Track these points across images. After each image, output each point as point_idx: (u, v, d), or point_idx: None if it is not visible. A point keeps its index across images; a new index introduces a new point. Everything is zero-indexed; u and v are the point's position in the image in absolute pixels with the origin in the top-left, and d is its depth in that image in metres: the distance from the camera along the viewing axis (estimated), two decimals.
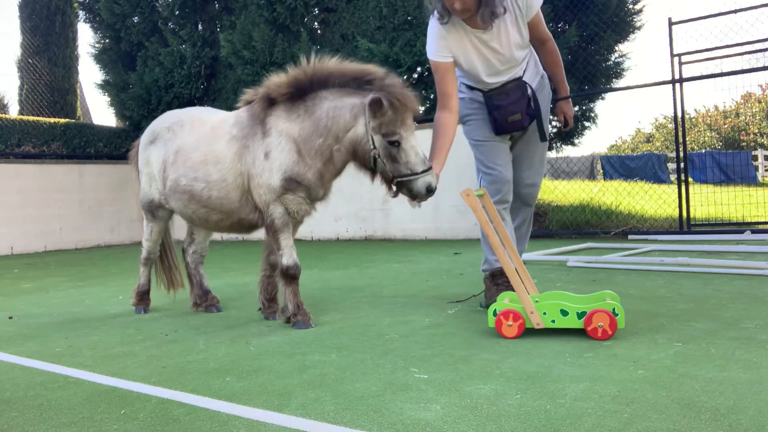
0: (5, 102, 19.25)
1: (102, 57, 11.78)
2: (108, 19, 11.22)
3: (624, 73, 9.00)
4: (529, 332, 2.66)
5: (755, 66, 7.07)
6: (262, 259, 3.43)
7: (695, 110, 24.66)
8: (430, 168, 2.89)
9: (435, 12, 3.04)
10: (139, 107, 11.01)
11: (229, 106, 3.47)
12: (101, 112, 71.38)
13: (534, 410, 1.75)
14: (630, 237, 6.79)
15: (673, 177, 16.81)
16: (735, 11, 6.93)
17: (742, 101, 23.55)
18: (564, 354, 2.32)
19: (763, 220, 7.47)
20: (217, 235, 7.05)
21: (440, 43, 3.11)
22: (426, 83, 8.88)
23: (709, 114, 21.86)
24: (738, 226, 6.99)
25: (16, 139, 10.34)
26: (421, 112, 9.00)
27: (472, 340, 2.61)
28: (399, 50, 8.40)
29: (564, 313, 2.58)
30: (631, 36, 8.91)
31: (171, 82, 10.74)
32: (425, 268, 5.25)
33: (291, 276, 3.10)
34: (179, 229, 4.03)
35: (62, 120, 11.28)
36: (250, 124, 3.14)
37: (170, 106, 10.37)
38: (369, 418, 1.76)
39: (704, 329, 2.58)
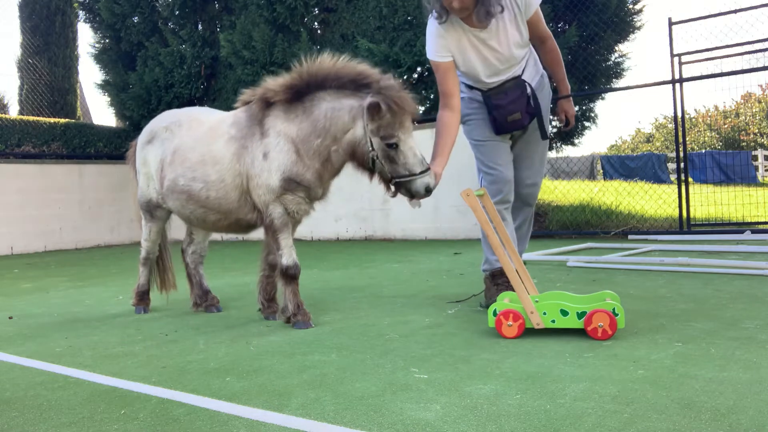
0: (5, 102, 19.25)
1: (102, 57, 11.78)
2: (108, 19, 11.22)
3: (624, 73, 9.01)
4: (529, 332, 2.66)
5: (755, 66, 7.08)
6: (260, 259, 3.43)
7: (695, 110, 24.68)
8: (428, 168, 2.91)
9: (433, 11, 3.04)
10: (139, 107, 11.01)
11: (229, 106, 3.47)
12: (101, 112, 71.43)
13: (534, 410, 1.75)
14: (630, 237, 6.79)
15: (673, 177, 16.82)
16: (735, 11, 6.94)
17: (742, 101, 23.56)
18: (564, 354, 2.32)
19: (763, 220, 7.47)
20: (216, 235, 7.04)
21: (439, 42, 3.11)
22: (426, 83, 8.88)
23: (709, 114, 21.87)
24: (738, 226, 6.99)
25: (16, 139, 10.34)
26: (420, 112, 9.01)
27: (472, 340, 2.61)
28: (399, 50, 8.40)
29: (564, 313, 2.58)
30: (631, 36, 8.91)
31: (171, 82, 10.74)
32: (425, 268, 5.25)
33: (291, 276, 3.10)
34: (178, 229, 4.02)
35: (62, 120, 11.29)
36: (249, 124, 3.15)
37: (170, 106, 10.37)
38: (369, 418, 1.76)
39: (704, 329, 2.58)
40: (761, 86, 24.40)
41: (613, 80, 9.07)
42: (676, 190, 7.17)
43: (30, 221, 9.90)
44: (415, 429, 1.67)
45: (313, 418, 1.79)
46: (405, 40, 8.52)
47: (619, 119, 65.50)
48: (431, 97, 8.96)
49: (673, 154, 15.75)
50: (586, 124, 9.34)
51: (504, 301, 2.78)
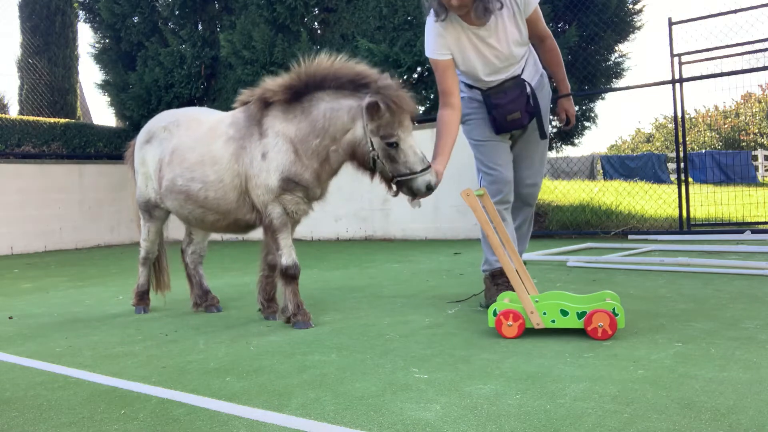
0: (5, 102, 19.25)
1: (102, 57, 11.78)
2: (108, 19, 11.22)
3: (624, 73, 9.01)
4: (529, 332, 2.66)
5: (755, 66, 7.08)
6: (260, 260, 3.43)
7: (695, 110, 24.68)
8: (429, 166, 2.91)
9: (432, 9, 3.03)
10: (139, 107, 11.01)
11: (229, 107, 3.47)
12: (101, 112, 71.43)
13: (534, 410, 1.75)
14: (630, 237, 6.79)
15: (673, 177, 16.81)
16: (735, 11, 6.94)
17: (742, 101, 23.55)
18: (564, 354, 2.32)
19: (763, 220, 7.47)
20: (216, 235, 7.05)
21: (438, 41, 3.11)
22: (426, 83, 8.88)
23: (709, 114, 21.86)
24: (738, 226, 6.99)
25: (16, 139, 10.34)
26: (420, 111, 9.01)
27: (472, 340, 2.61)
28: (399, 50, 8.40)
29: (564, 313, 2.58)
30: (631, 36, 8.91)
31: (171, 82, 10.74)
32: (425, 268, 5.25)
33: (290, 276, 3.10)
34: (177, 230, 4.02)
35: (62, 120, 11.29)
36: (247, 125, 3.15)
37: (170, 106, 10.37)
38: (369, 418, 1.76)
39: (704, 329, 2.58)
40: (761, 86, 24.41)
41: (613, 80, 9.07)
42: (676, 190, 7.17)
43: (30, 221, 9.90)
44: (415, 429, 1.67)
45: (313, 418, 1.79)
46: (405, 40, 8.52)
47: (619, 119, 65.55)
48: (431, 97, 8.96)
49: (673, 154, 15.76)
50: (586, 124, 9.34)
51: (504, 301, 2.78)
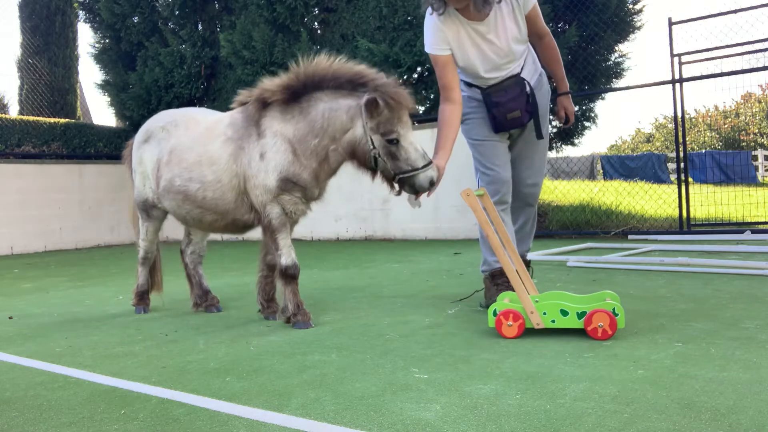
0: (5, 102, 19.25)
1: (102, 57, 11.78)
2: (108, 19, 11.22)
3: (624, 73, 9.02)
4: (529, 332, 2.66)
5: (755, 66, 7.08)
6: (259, 260, 3.43)
7: (695, 110, 24.67)
8: (430, 162, 2.91)
9: (431, 4, 3.03)
10: (139, 107, 11.01)
11: (229, 107, 3.47)
12: (101, 112, 71.43)
13: (534, 410, 1.75)
14: (630, 237, 6.79)
15: (673, 177, 16.81)
16: (735, 11, 6.94)
17: (742, 101, 23.54)
18: (564, 354, 2.32)
19: (763, 220, 7.47)
20: (216, 235, 7.04)
21: (438, 35, 3.11)
22: (426, 83, 8.88)
23: (709, 114, 21.86)
24: (738, 226, 6.99)
25: (16, 139, 10.34)
26: (420, 111, 9.02)
27: (472, 340, 2.61)
28: (399, 50, 8.40)
29: (564, 313, 2.58)
30: (631, 36, 8.91)
31: (171, 82, 10.74)
32: (425, 268, 5.25)
33: (290, 276, 3.10)
34: (176, 230, 4.02)
35: (62, 120, 11.29)
36: (245, 125, 3.15)
37: (170, 106, 10.38)
38: (369, 418, 1.76)
39: (704, 329, 2.58)
40: (761, 86, 24.40)
41: (613, 80, 9.08)
42: (676, 190, 7.18)
43: (30, 221, 9.90)
44: (415, 429, 1.67)
45: (313, 418, 1.79)
46: (405, 40, 8.52)
47: (619, 119, 65.53)
48: (431, 97, 8.96)
49: (673, 154, 15.76)
50: (586, 124, 9.34)
51: (504, 301, 2.78)
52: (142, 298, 3.80)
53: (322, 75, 3.00)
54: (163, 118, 3.59)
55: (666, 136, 28.98)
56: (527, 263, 3.51)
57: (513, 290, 2.82)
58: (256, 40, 9.51)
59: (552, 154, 10.58)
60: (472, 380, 2.06)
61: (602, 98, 9.33)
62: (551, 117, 3.46)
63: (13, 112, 16.96)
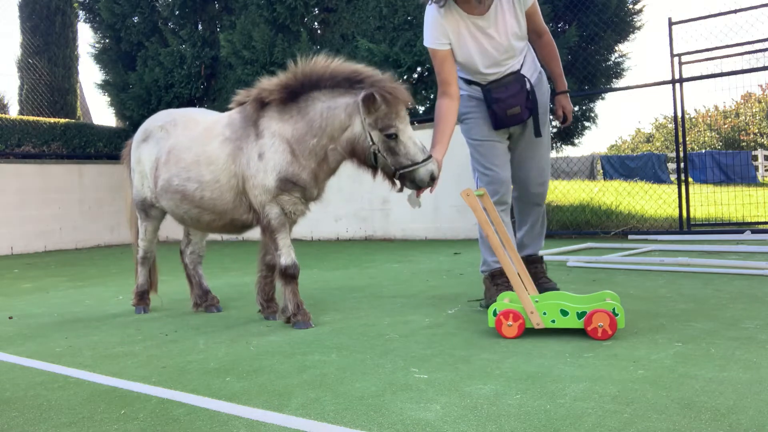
0: (5, 102, 19.25)
1: (102, 57, 11.78)
2: (108, 19, 11.21)
3: (624, 73, 9.02)
4: (529, 332, 2.66)
5: (755, 66, 7.08)
6: (258, 260, 3.43)
7: (695, 110, 24.66)
8: (430, 156, 2.92)
9: None
10: (139, 107, 11.01)
11: (227, 107, 3.47)
12: (101, 112, 71.43)
13: (534, 410, 1.75)
14: (630, 237, 6.79)
15: (673, 177, 16.82)
16: (735, 11, 6.94)
17: (742, 101, 23.54)
18: (564, 354, 2.32)
19: (763, 220, 7.47)
20: (216, 235, 7.04)
21: (438, 28, 3.11)
22: (426, 83, 8.88)
23: (709, 114, 21.85)
24: (738, 226, 6.99)
25: (16, 139, 10.34)
26: (420, 111, 9.01)
27: (472, 340, 2.61)
28: (399, 50, 8.40)
29: (564, 313, 2.58)
30: (631, 36, 8.91)
31: (171, 82, 10.74)
32: (425, 268, 5.25)
33: (290, 276, 3.10)
34: (175, 230, 4.02)
35: (62, 120, 11.28)
36: (243, 125, 3.15)
37: (170, 106, 10.37)
38: (369, 418, 1.76)
39: (704, 329, 2.58)
40: (761, 86, 24.39)
41: (613, 80, 9.08)
42: (676, 190, 7.18)
43: (30, 221, 9.90)
44: (415, 429, 1.67)
45: (313, 418, 1.79)
46: (405, 40, 8.52)
47: (619, 119, 65.51)
48: (431, 97, 8.96)
49: (673, 154, 15.75)
50: (586, 124, 9.34)
51: (504, 301, 2.78)
52: (142, 298, 3.80)
53: (320, 74, 3.00)
54: (162, 117, 3.60)
55: (666, 136, 28.98)
56: (540, 259, 3.50)
57: (513, 290, 2.82)
58: (256, 40, 9.51)
59: (552, 154, 10.49)
60: (472, 380, 2.06)
61: (602, 98, 9.33)
62: (551, 117, 3.45)
63: (13, 112, 16.98)
